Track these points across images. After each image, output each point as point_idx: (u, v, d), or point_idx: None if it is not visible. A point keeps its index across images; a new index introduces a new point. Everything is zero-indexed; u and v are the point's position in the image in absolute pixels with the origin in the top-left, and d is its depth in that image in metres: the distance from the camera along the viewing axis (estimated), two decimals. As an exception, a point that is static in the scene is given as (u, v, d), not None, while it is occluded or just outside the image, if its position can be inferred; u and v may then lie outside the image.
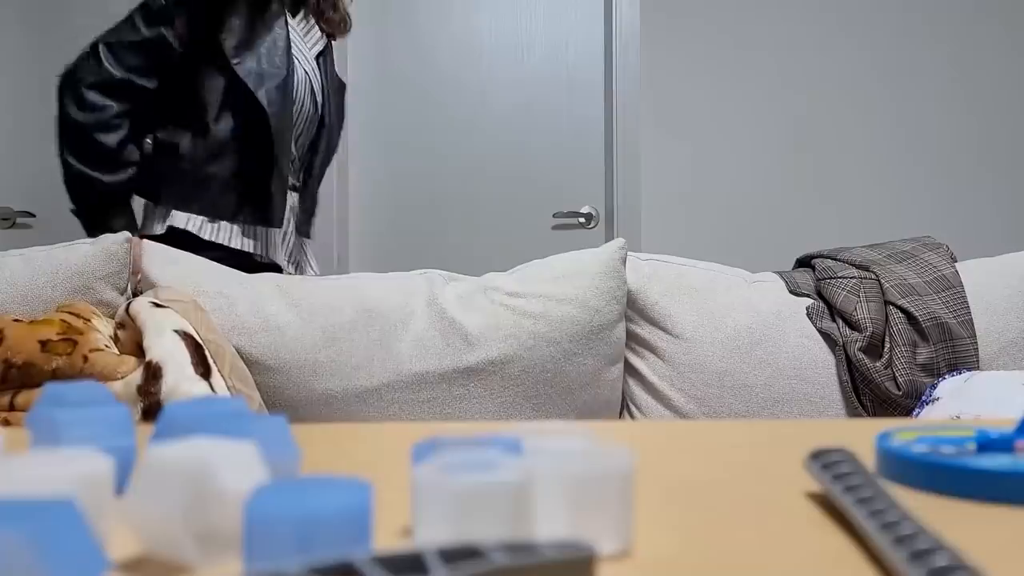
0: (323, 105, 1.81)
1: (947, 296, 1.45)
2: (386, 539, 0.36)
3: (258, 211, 1.66)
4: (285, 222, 1.74)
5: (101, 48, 1.60)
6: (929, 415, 1.26)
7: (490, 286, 1.46)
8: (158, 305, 1.25)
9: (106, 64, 1.59)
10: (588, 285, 1.44)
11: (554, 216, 2.80)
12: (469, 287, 1.46)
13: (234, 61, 1.62)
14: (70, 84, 1.60)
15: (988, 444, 0.45)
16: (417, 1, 2.85)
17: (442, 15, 2.84)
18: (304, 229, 1.85)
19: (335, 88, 1.86)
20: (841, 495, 0.37)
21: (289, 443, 0.39)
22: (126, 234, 1.45)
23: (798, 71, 2.78)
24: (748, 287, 1.53)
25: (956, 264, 1.53)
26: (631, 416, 1.50)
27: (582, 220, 2.79)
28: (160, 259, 1.42)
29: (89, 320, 1.24)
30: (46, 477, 0.31)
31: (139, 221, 1.71)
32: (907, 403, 1.40)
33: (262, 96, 1.62)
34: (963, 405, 1.20)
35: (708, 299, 1.49)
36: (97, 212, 1.65)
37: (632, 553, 0.34)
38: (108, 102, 1.60)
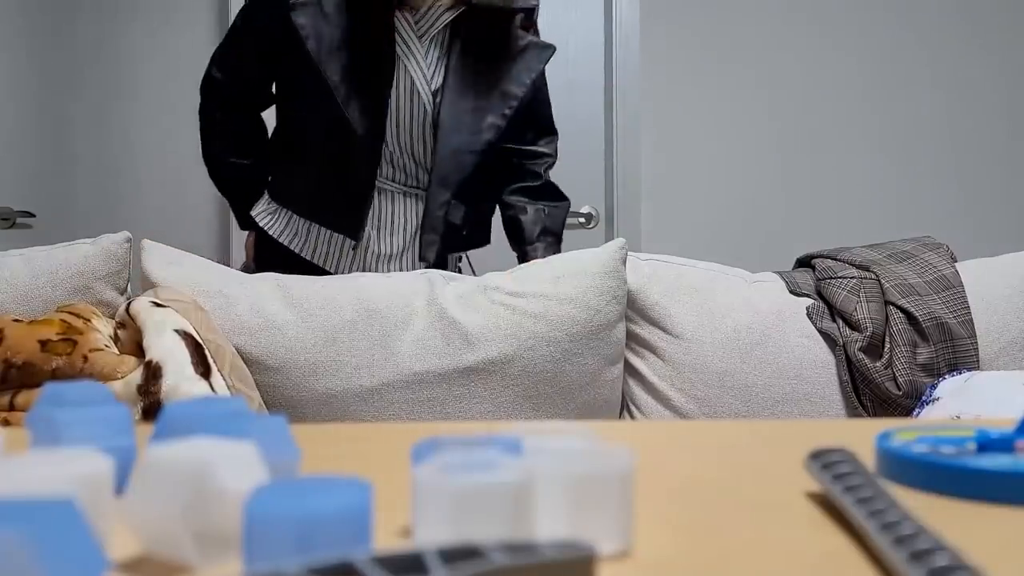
0: (438, 102, 1.59)
1: (947, 296, 1.45)
2: (386, 539, 0.36)
3: (346, 224, 1.60)
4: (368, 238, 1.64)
5: (215, 59, 1.65)
6: (929, 415, 1.26)
7: (490, 286, 1.46)
8: (158, 305, 1.25)
9: (215, 74, 1.65)
10: (588, 285, 1.44)
11: (554, 216, 2.80)
12: (469, 287, 1.46)
13: (323, 67, 1.50)
14: (207, 89, 1.67)
15: (988, 444, 0.45)
16: (417, 1, 2.85)
17: (442, 15, 2.84)
18: (424, 251, 1.64)
19: (485, 64, 1.61)
20: (841, 495, 0.37)
21: (289, 443, 0.39)
22: (126, 234, 1.45)
23: (798, 71, 2.78)
24: (748, 287, 1.53)
25: (956, 264, 1.53)
26: (631, 416, 1.50)
27: (582, 220, 2.78)
28: (160, 259, 1.42)
29: (89, 320, 1.24)
30: (46, 477, 0.31)
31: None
32: (907, 403, 1.40)
33: (352, 112, 1.50)
34: (963, 405, 1.20)
35: (708, 299, 1.49)
36: (241, 192, 1.72)
37: (632, 553, 0.34)
38: (243, 161, 1.69)
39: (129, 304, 1.26)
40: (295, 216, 1.65)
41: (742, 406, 1.43)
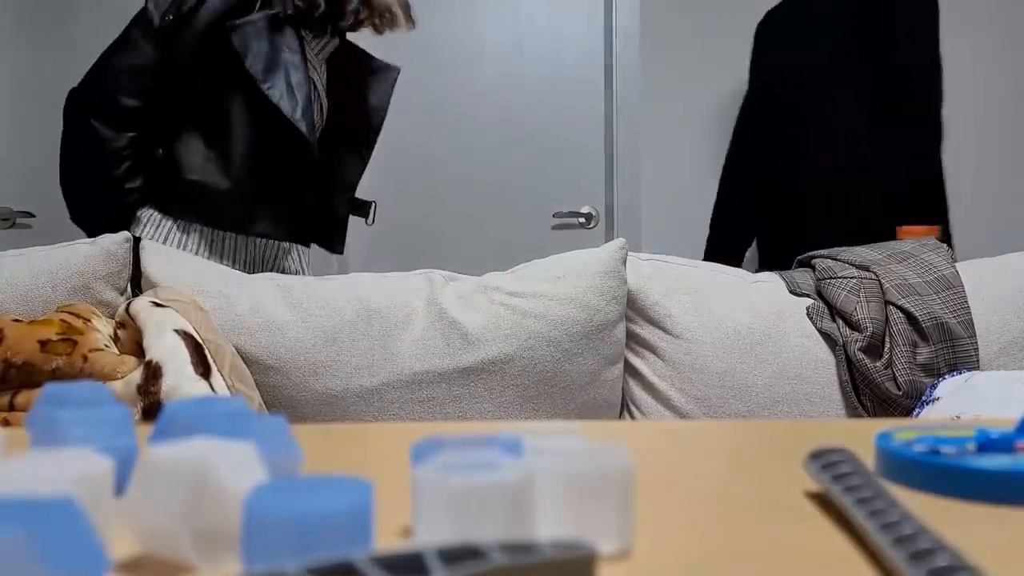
0: (334, 105, 1.79)
1: (947, 296, 1.45)
2: (386, 539, 0.36)
3: (288, 228, 1.67)
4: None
5: (108, 74, 1.58)
6: (929, 415, 1.26)
7: (490, 286, 1.46)
8: (158, 305, 1.25)
9: (117, 95, 1.57)
10: (588, 285, 1.44)
11: (554, 216, 2.80)
12: (469, 287, 1.46)
13: (266, 86, 1.58)
14: (78, 112, 1.58)
15: (988, 444, 0.45)
16: (417, 1, 2.85)
17: (442, 15, 2.84)
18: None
19: (357, 81, 1.82)
20: (841, 495, 0.37)
21: (289, 443, 0.39)
22: (126, 234, 1.45)
23: (798, 71, 2.78)
24: (748, 287, 1.53)
25: (956, 264, 1.53)
26: (631, 416, 1.50)
27: (582, 220, 2.79)
28: (160, 259, 1.42)
29: (89, 320, 1.24)
30: (46, 477, 0.31)
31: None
32: (907, 403, 1.40)
33: (299, 121, 1.60)
34: (963, 405, 1.20)
35: (708, 299, 1.49)
36: (97, 225, 1.63)
37: (632, 553, 0.34)
38: (119, 134, 1.58)
39: (129, 304, 1.26)
40: (204, 230, 1.66)
41: (742, 406, 1.43)
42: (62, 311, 1.26)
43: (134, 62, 1.58)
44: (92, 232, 1.63)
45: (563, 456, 0.35)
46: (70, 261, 1.37)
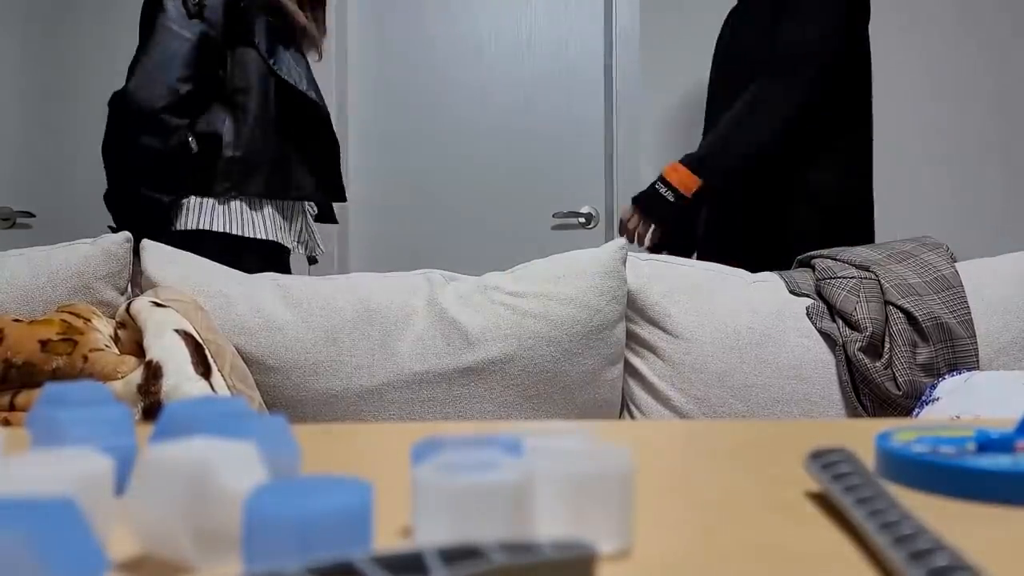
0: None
1: (947, 296, 1.45)
2: (386, 539, 0.36)
3: (326, 187, 1.81)
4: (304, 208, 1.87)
5: (159, 66, 1.60)
6: (929, 415, 1.26)
7: (490, 286, 1.46)
8: (159, 305, 1.25)
9: (172, 83, 1.59)
10: (588, 285, 1.44)
11: (554, 216, 2.80)
12: (469, 287, 1.46)
13: (275, 65, 1.70)
14: (140, 111, 1.58)
15: (988, 444, 0.45)
16: (418, 1, 2.85)
17: (442, 14, 2.84)
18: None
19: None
20: (841, 495, 0.37)
21: (289, 443, 0.39)
22: (126, 234, 1.45)
23: (798, 71, 2.78)
24: (748, 287, 1.53)
25: (956, 264, 1.53)
26: (631, 416, 1.50)
27: (582, 220, 2.79)
28: (160, 258, 1.42)
29: (89, 320, 1.24)
30: (46, 477, 0.31)
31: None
32: (907, 403, 1.40)
33: (308, 91, 1.74)
34: (963, 405, 1.20)
35: (708, 299, 1.49)
36: (150, 230, 1.62)
37: (632, 553, 0.34)
38: (181, 120, 1.61)
39: (129, 304, 1.26)
40: (244, 200, 1.71)
41: (742, 406, 1.43)
42: (62, 311, 1.26)
43: (179, 48, 1.61)
44: (149, 234, 1.58)
45: (563, 456, 0.35)
46: (70, 261, 1.37)
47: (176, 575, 0.31)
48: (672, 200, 1.78)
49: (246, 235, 1.69)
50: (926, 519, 0.38)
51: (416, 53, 2.84)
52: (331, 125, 1.80)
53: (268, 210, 1.74)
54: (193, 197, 1.68)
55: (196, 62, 1.62)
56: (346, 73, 2.80)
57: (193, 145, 1.65)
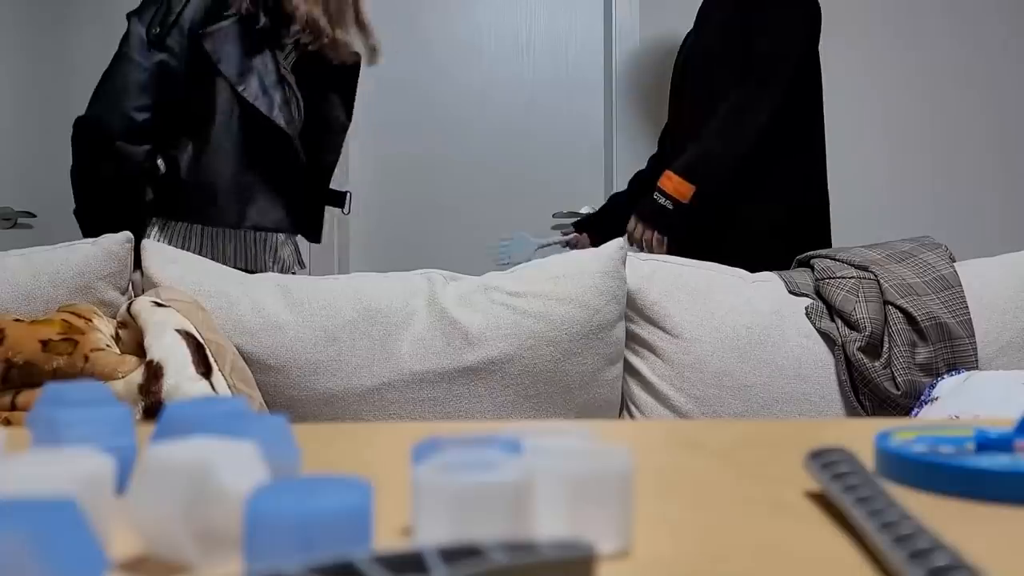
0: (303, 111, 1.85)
1: (946, 296, 1.46)
2: (386, 539, 0.36)
3: (282, 219, 1.73)
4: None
5: (117, 93, 1.60)
6: (928, 415, 1.26)
7: (490, 286, 1.46)
8: (160, 305, 1.25)
9: (129, 112, 1.59)
10: (588, 285, 1.44)
11: (554, 216, 2.80)
12: (469, 287, 1.46)
13: (241, 88, 1.65)
14: (98, 139, 1.60)
15: (987, 444, 0.45)
16: (418, 1, 2.85)
17: (442, 14, 2.84)
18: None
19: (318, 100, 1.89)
20: (840, 495, 0.37)
21: (289, 443, 0.39)
22: (127, 234, 1.45)
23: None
24: (748, 287, 1.53)
25: (955, 264, 1.53)
26: (631, 416, 1.50)
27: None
28: (161, 259, 1.42)
29: (90, 320, 1.24)
30: (46, 477, 0.31)
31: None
32: (906, 403, 1.40)
33: (277, 116, 1.67)
34: (962, 405, 1.20)
35: (708, 299, 1.49)
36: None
37: (632, 553, 0.34)
38: (138, 148, 1.61)
39: (130, 304, 1.26)
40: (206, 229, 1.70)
41: (741, 406, 1.43)
42: (63, 311, 1.26)
43: (136, 77, 1.61)
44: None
45: (563, 456, 0.35)
46: (71, 261, 1.37)
47: (176, 575, 0.31)
48: (671, 208, 1.88)
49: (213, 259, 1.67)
50: (925, 519, 0.39)
51: (416, 53, 2.84)
52: (297, 151, 1.73)
53: (232, 238, 1.72)
54: (160, 219, 1.69)
55: (154, 91, 1.61)
56: (346, 73, 2.80)
57: (161, 167, 1.66)
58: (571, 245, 2.23)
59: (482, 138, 2.82)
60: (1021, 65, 2.84)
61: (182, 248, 1.65)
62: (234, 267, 1.66)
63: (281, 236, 1.82)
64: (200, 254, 1.66)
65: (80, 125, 1.64)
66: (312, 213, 1.90)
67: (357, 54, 1.89)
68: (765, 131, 1.88)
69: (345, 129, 1.97)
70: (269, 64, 1.70)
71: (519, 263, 1.58)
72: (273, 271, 1.79)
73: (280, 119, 1.68)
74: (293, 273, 1.86)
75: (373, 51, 1.89)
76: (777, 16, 1.93)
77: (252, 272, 1.70)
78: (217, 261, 1.65)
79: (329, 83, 1.93)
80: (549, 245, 2.26)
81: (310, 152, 1.86)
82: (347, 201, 1.99)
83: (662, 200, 1.89)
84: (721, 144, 1.89)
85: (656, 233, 1.92)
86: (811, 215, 2.04)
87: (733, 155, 1.89)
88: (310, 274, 1.85)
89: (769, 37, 1.91)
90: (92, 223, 1.65)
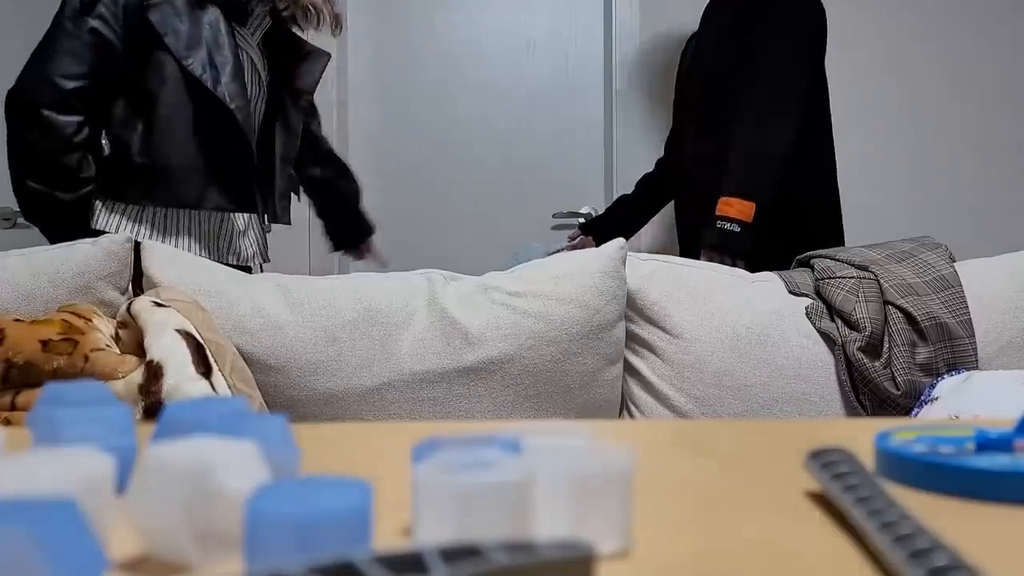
0: (270, 83, 1.81)
1: (946, 296, 1.46)
2: (386, 539, 0.36)
3: (236, 198, 1.68)
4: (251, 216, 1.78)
5: (45, 61, 1.56)
6: (928, 415, 1.26)
7: (490, 286, 1.46)
8: (160, 305, 1.25)
9: (55, 79, 1.55)
10: (588, 285, 1.44)
11: (554, 216, 2.80)
12: (469, 287, 1.46)
13: (187, 62, 1.60)
14: (24, 107, 1.56)
15: (987, 444, 0.45)
16: (419, 1, 2.85)
17: (442, 15, 2.84)
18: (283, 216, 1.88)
19: (289, 62, 1.85)
20: (840, 494, 0.37)
21: (289, 443, 0.39)
22: (127, 234, 1.45)
23: (798, 71, 2.78)
24: (747, 287, 1.53)
25: (955, 264, 1.53)
26: (631, 416, 1.50)
27: (582, 220, 2.78)
28: (161, 259, 1.42)
29: (90, 320, 1.24)
30: (46, 477, 0.31)
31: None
32: (906, 403, 1.40)
33: (222, 92, 1.61)
34: (962, 405, 1.20)
35: (708, 299, 1.49)
36: (59, 226, 1.61)
37: (632, 553, 0.34)
38: (68, 118, 1.56)
39: (130, 304, 1.26)
40: (158, 210, 1.66)
41: (741, 406, 1.43)
42: (63, 311, 1.26)
43: (66, 44, 1.57)
44: (50, 231, 1.62)
45: (563, 456, 0.35)
46: (71, 261, 1.37)
47: (176, 575, 0.31)
48: (739, 231, 1.88)
49: (162, 242, 1.64)
50: (925, 518, 0.39)
51: (416, 53, 2.84)
52: (241, 129, 1.66)
53: (183, 219, 1.67)
54: (105, 199, 1.64)
55: (87, 59, 1.56)
56: (346, 72, 2.80)
57: (105, 147, 1.63)
58: (577, 248, 2.25)
59: (482, 138, 2.82)
60: (1021, 63, 2.84)
61: (131, 231, 1.62)
62: (187, 251, 1.64)
63: (240, 224, 1.77)
64: (151, 238, 1.63)
65: (9, 95, 1.58)
66: (276, 194, 1.84)
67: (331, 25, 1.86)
68: (799, 126, 1.90)
69: (310, 104, 1.95)
70: (222, 38, 1.64)
71: None
72: (229, 259, 1.74)
73: (225, 96, 1.62)
74: (251, 266, 1.82)
75: (336, 20, 1.85)
76: (782, 19, 1.94)
77: (208, 258, 1.68)
78: (168, 244, 1.63)
79: (299, 55, 1.89)
80: (559, 251, 2.26)
81: (273, 131, 1.82)
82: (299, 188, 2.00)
83: (728, 226, 1.89)
84: (761, 151, 1.91)
85: (732, 259, 1.91)
86: (826, 215, 2.08)
87: (778, 156, 1.90)
88: (310, 273, 1.85)
89: (775, 41, 1.92)
90: (28, 202, 1.60)
